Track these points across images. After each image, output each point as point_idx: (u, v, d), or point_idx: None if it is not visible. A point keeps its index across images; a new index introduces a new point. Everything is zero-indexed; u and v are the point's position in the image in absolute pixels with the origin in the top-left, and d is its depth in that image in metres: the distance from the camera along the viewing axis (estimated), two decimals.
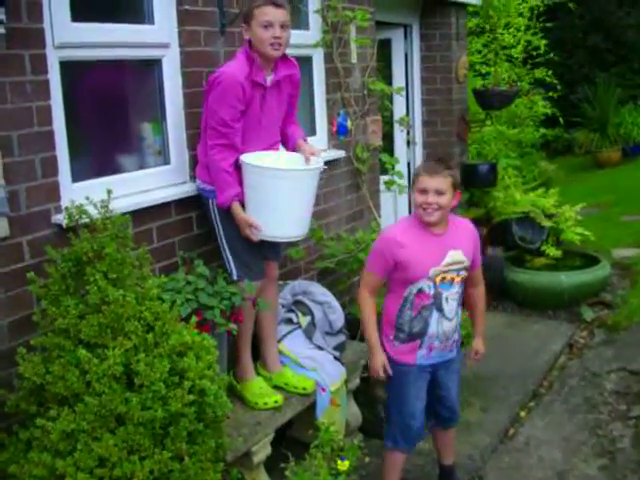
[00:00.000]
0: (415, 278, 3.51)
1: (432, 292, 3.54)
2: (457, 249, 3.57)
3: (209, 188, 3.65)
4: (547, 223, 7.17)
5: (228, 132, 3.52)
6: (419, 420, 3.73)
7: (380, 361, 3.61)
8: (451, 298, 3.60)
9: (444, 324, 3.62)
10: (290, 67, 3.75)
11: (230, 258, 3.72)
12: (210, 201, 3.67)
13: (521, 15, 8.01)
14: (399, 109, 6.66)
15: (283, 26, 3.55)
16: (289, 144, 3.88)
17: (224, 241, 3.72)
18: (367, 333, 3.64)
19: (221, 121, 3.51)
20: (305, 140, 3.87)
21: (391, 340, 3.65)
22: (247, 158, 3.55)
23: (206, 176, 3.66)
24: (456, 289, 3.61)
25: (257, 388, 3.81)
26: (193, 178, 3.89)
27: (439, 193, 3.45)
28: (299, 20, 4.85)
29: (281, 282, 4.25)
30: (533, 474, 4.32)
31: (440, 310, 3.58)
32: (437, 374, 3.73)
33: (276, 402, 3.75)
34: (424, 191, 3.47)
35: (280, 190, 3.51)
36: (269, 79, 3.64)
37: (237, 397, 3.82)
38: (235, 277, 3.70)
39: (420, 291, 3.53)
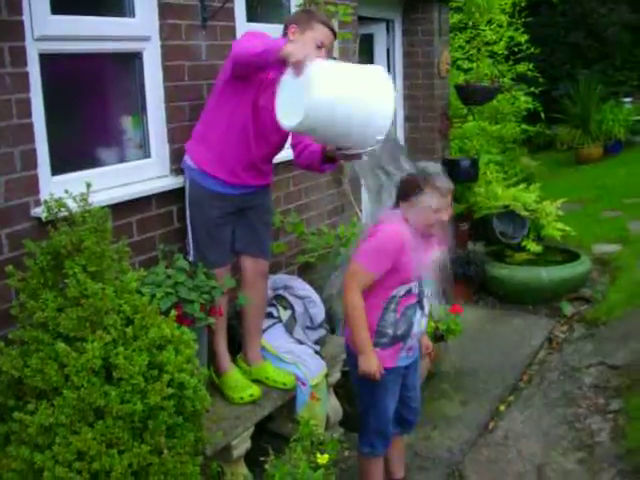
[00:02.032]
0: (409, 279, 3.42)
1: (417, 291, 3.50)
2: (435, 247, 3.56)
3: (192, 167, 3.65)
4: (525, 213, 7.21)
5: (254, 38, 3.39)
6: (391, 424, 3.70)
7: (376, 363, 3.43)
8: (429, 294, 3.59)
9: (422, 321, 3.59)
10: None
11: (190, 240, 3.73)
12: (187, 180, 3.69)
13: (503, 11, 8.05)
14: None
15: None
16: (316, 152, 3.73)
17: (188, 222, 3.72)
18: (360, 336, 3.42)
19: (247, 36, 3.45)
20: None
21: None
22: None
23: (194, 152, 3.66)
24: (434, 285, 3.61)
25: (233, 381, 3.81)
26: (174, 171, 3.90)
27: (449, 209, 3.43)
28: (281, 14, 4.84)
29: None
30: (512, 468, 4.34)
31: (422, 308, 3.55)
32: (406, 375, 3.68)
33: (251, 396, 3.74)
34: (439, 210, 3.39)
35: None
36: None
37: (218, 391, 3.82)
38: (192, 258, 3.69)
39: (408, 292, 3.45)
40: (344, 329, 3.78)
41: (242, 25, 4.30)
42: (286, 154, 3.97)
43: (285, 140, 3.80)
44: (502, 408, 5.08)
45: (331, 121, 3.10)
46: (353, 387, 3.72)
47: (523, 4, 8.44)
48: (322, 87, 3.02)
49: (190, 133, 3.75)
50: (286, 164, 4.55)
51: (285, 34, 3.65)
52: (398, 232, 3.38)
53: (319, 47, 3.59)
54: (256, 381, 3.88)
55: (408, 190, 3.43)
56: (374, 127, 3.17)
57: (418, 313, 3.54)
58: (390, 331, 3.49)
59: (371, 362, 3.43)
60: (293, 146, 3.84)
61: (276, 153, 3.83)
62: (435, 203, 3.38)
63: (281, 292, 4.40)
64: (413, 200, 3.39)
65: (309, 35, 3.58)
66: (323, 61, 3.21)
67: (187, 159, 3.70)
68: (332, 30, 3.67)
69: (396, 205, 3.50)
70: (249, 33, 3.53)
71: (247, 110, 3.57)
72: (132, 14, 3.72)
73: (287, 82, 3.19)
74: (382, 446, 3.72)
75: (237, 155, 3.62)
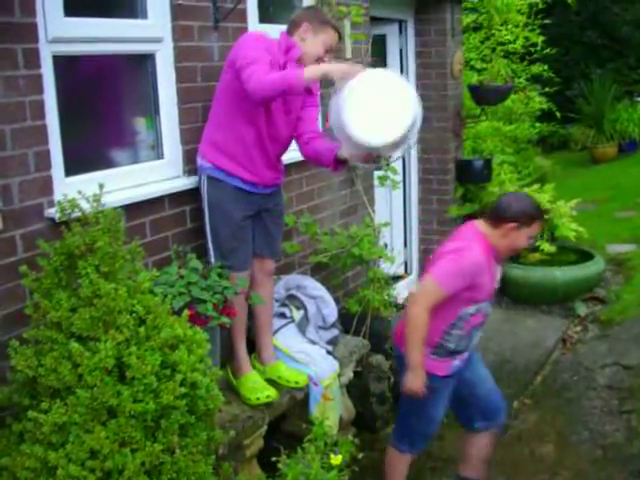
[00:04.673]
0: (483, 298, 3.46)
1: (487, 310, 3.56)
2: (499, 267, 3.64)
3: (206, 165, 3.64)
4: None
5: (266, 66, 3.38)
6: (438, 426, 3.77)
7: (422, 381, 3.43)
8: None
9: (480, 336, 3.70)
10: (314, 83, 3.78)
11: (210, 245, 3.72)
12: (202, 178, 3.68)
13: (519, 12, 8.03)
14: None
15: None
16: (327, 151, 3.68)
17: (208, 227, 3.71)
18: (414, 354, 3.40)
19: (250, 57, 3.38)
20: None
21: (427, 354, 3.50)
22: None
23: (207, 152, 3.66)
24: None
25: (251, 382, 3.81)
26: (187, 172, 3.91)
27: None
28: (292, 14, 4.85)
29: (275, 276, 4.25)
30: (525, 468, 4.34)
31: (483, 326, 3.63)
32: (462, 376, 3.70)
33: (268, 397, 3.74)
34: (533, 237, 3.49)
35: None
36: None
37: (232, 391, 3.83)
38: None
39: (478, 311, 3.48)
40: (397, 328, 3.76)
41: (254, 26, 4.31)
42: (299, 155, 3.97)
43: (293, 130, 3.81)
44: (516, 408, 5.07)
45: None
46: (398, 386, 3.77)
47: (540, 6, 8.43)
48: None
49: (202, 134, 3.76)
50: (299, 165, 4.56)
51: (292, 30, 3.66)
52: (479, 255, 3.38)
53: (326, 51, 3.65)
54: (269, 380, 3.89)
55: (519, 216, 3.40)
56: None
57: (480, 331, 3.62)
58: (452, 346, 3.52)
59: (419, 382, 3.43)
60: (297, 137, 3.82)
61: (287, 148, 3.86)
62: (535, 233, 3.47)
63: (294, 292, 4.41)
64: (523, 228, 3.41)
65: (321, 37, 3.62)
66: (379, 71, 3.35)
67: (204, 163, 3.66)
68: (339, 33, 3.72)
69: (493, 223, 3.47)
70: (246, 42, 3.51)
71: (261, 115, 3.59)
72: (144, 16, 3.73)
73: (360, 98, 3.21)
74: (422, 447, 3.82)
75: (256, 157, 3.64)
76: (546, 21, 8.88)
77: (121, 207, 3.21)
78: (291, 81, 3.25)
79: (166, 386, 2.63)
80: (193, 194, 3.81)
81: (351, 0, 5.14)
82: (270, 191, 3.78)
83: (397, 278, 6.59)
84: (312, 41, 3.63)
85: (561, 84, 11.19)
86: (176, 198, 3.81)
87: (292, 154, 4.13)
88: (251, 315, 3.98)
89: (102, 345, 2.61)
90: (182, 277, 3.37)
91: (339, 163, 3.63)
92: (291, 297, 4.39)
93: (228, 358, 3.88)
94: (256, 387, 3.78)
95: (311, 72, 3.29)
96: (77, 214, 2.95)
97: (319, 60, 3.66)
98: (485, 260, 3.39)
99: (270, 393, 3.76)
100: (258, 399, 3.73)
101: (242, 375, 3.85)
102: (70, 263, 2.82)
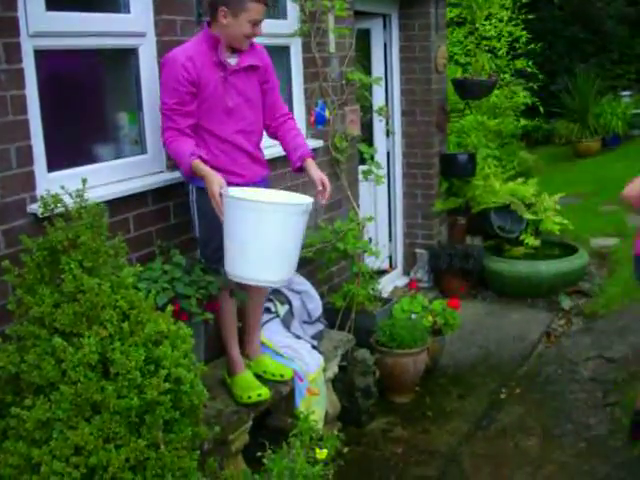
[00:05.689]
0: None
1: None
2: None
3: (194, 176, 3.59)
4: (528, 215, 7.21)
5: (174, 116, 3.44)
6: None
7: None
8: None
9: None
10: (257, 55, 3.69)
11: (199, 253, 3.75)
12: (190, 187, 3.65)
13: (503, 6, 8.05)
14: (378, 99, 6.66)
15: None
16: (292, 152, 3.77)
17: (197, 237, 3.73)
18: None
19: (166, 105, 3.45)
20: (312, 157, 3.79)
21: None
22: (229, 190, 3.35)
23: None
24: None
25: (244, 382, 3.80)
26: (170, 167, 3.89)
27: None
28: (277, 9, 4.84)
29: None
30: (509, 461, 4.36)
31: None
32: None
33: (259, 396, 3.73)
34: None
35: (251, 225, 3.29)
36: (233, 61, 3.57)
37: (218, 387, 3.83)
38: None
39: None
40: None
41: None
42: (281, 150, 3.96)
43: (260, 114, 3.77)
44: (500, 401, 5.09)
45: None
46: None
47: (523, 0, 8.45)
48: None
49: None
50: (283, 159, 4.54)
51: (212, 20, 3.51)
52: None
53: (255, 25, 3.50)
54: (254, 375, 3.88)
55: None
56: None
57: None
58: None
59: None
60: (265, 128, 3.85)
61: (262, 131, 3.82)
62: None
63: (278, 287, 4.40)
64: None
65: (243, 17, 3.44)
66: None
67: (188, 177, 3.59)
68: (264, 2, 3.52)
69: None
70: (162, 78, 3.52)
71: (225, 119, 3.57)
72: (127, 10, 3.71)
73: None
74: None
75: (239, 157, 3.63)
76: (530, 16, 8.91)
77: (104, 202, 3.19)
78: (180, 164, 3.48)
79: (150, 382, 2.62)
80: (177, 189, 3.80)
81: None
82: (258, 182, 3.76)
83: (382, 272, 6.61)
84: (234, 24, 3.46)
85: (545, 79, 11.21)
86: (160, 193, 3.80)
87: (275, 149, 4.13)
88: (240, 315, 3.97)
89: (86, 341, 2.60)
90: (166, 272, 3.36)
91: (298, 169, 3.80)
92: (276, 292, 4.38)
93: (214, 354, 3.88)
94: (250, 386, 3.77)
95: (198, 169, 3.40)
96: (60, 209, 2.93)
97: (250, 37, 3.55)
98: None
99: (262, 392, 3.74)
100: (250, 397, 3.72)
101: (236, 375, 3.84)
102: (53, 259, 2.80)
